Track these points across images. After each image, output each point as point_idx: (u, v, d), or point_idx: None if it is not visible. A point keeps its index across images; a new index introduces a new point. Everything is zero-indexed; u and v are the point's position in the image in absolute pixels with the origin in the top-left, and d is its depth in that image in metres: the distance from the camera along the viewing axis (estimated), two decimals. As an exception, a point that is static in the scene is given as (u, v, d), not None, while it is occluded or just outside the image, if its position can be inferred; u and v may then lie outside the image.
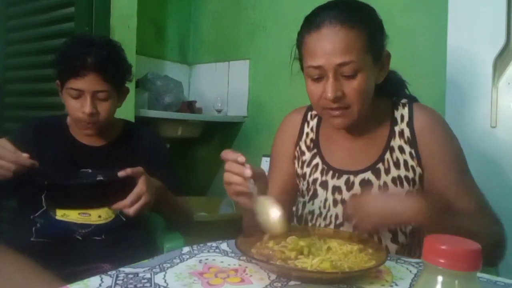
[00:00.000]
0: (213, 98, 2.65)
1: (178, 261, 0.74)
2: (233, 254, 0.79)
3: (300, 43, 0.95)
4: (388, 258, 0.71)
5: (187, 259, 0.76)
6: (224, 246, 0.84)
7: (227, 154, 0.82)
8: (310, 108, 1.10)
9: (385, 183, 0.95)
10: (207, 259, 0.76)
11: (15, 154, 0.99)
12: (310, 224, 1.00)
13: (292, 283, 0.66)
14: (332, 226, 0.97)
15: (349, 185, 0.97)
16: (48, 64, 1.28)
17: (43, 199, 1.19)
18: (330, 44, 0.87)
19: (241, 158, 0.79)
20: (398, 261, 0.78)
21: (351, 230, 0.87)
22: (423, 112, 0.98)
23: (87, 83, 1.14)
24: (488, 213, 0.93)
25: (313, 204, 1.01)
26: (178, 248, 0.83)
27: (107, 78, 1.16)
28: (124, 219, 1.23)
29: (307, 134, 1.08)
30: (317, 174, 1.02)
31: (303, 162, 1.06)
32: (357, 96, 0.89)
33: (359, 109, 0.91)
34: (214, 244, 0.85)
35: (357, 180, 0.97)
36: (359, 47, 0.87)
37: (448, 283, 0.38)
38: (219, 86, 2.73)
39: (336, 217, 0.97)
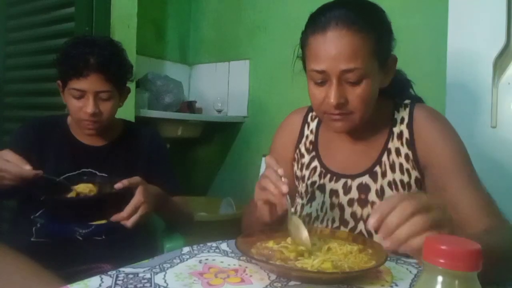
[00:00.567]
0: (213, 98, 2.65)
1: (178, 261, 0.74)
2: (233, 254, 0.79)
3: (304, 43, 0.91)
4: (388, 259, 0.71)
5: (187, 259, 0.76)
6: (224, 246, 0.84)
7: (271, 161, 0.82)
8: (311, 109, 1.09)
9: (381, 187, 0.92)
10: (207, 259, 0.76)
11: (18, 167, 0.99)
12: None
13: (292, 283, 0.66)
14: None
15: (347, 189, 0.96)
16: (48, 64, 1.28)
17: (40, 215, 1.18)
18: (335, 49, 0.83)
19: (281, 171, 0.80)
20: (398, 261, 0.78)
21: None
22: (422, 111, 0.95)
23: (89, 83, 1.14)
24: (495, 214, 0.85)
25: (310, 206, 0.99)
26: (178, 248, 0.83)
27: (109, 78, 1.16)
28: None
29: (307, 136, 1.07)
30: (315, 177, 1.01)
31: (302, 165, 1.05)
32: (361, 103, 0.86)
33: (362, 115, 0.88)
34: (214, 244, 0.85)
35: (354, 184, 0.95)
36: (365, 53, 0.83)
37: (448, 283, 0.38)
38: (219, 86, 2.73)
39: (333, 220, 0.95)
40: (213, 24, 2.78)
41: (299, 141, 1.07)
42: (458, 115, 1.48)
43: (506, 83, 1.44)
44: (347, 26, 0.83)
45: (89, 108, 1.15)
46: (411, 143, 0.93)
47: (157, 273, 0.68)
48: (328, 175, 0.99)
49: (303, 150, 1.06)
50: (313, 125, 1.07)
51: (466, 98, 1.50)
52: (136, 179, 1.06)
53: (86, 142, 1.27)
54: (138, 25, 2.05)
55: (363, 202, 0.93)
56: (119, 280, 0.65)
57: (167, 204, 1.22)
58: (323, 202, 0.98)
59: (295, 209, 1.03)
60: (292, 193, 1.07)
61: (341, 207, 0.95)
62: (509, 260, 0.70)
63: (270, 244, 0.79)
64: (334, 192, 0.97)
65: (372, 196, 0.93)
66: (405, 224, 0.57)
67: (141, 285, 0.63)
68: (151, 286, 0.63)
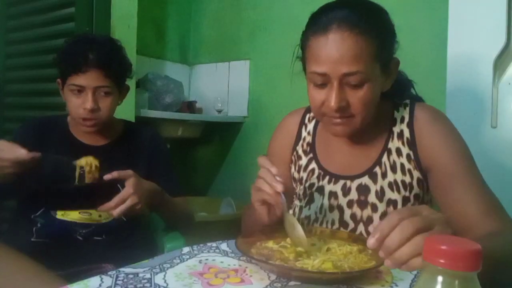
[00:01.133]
0: (213, 98, 2.65)
1: (178, 261, 0.74)
2: (233, 254, 0.79)
3: (304, 44, 0.88)
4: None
5: (187, 259, 0.76)
6: (224, 246, 0.84)
7: (264, 161, 0.81)
8: (308, 110, 1.07)
9: (381, 188, 0.91)
10: (207, 259, 0.76)
11: (13, 152, 0.99)
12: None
13: (292, 283, 0.66)
14: None
15: (346, 191, 0.95)
16: (48, 64, 1.28)
17: (40, 215, 1.19)
18: (337, 52, 0.80)
19: (274, 170, 0.79)
20: (398, 261, 0.78)
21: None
22: (423, 110, 0.93)
23: (88, 79, 1.14)
24: (500, 216, 0.83)
25: (309, 209, 0.98)
26: (178, 248, 0.83)
27: (108, 74, 1.16)
28: (125, 219, 1.23)
29: (304, 138, 1.05)
30: (314, 179, 1.00)
31: (299, 167, 1.04)
32: (362, 107, 0.84)
33: (363, 119, 0.86)
34: (214, 244, 0.85)
35: (353, 185, 0.94)
36: (367, 56, 0.81)
37: (448, 283, 0.38)
38: (219, 86, 2.73)
39: (333, 222, 0.94)
40: (213, 24, 2.78)
41: (296, 143, 1.05)
42: (458, 115, 1.48)
43: (506, 83, 1.44)
44: (350, 28, 0.80)
45: (88, 104, 1.15)
46: (412, 143, 0.92)
47: (157, 273, 0.68)
48: (327, 177, 0.98)
49: (300, 152, 1.04)
50: (310, 126, 1.06)
51: (466, 98, 1.50)
52: (127, 172, 1.07)
53: (86, 142, 1.27)
54: (138, 25, 2.05)
55: (363, 203, 0.92)
56: (119, 280, 0.65)
57: (165, 202, 1.22)
58: (322, 204, 0.96)
59: (293, 211, 1.02)
60: (290, 195, 1.06)
61: (340, 209, 0.94)
62: None
63: (270, 244, 0.79)
64: (333, 194, 0.96)
65: (372, 197, 0.92)
66: (406, 244, 0.56)
67: (141, 285, 0.63)
68: (151, 286, 0.63)
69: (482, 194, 0.84)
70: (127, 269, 0.69)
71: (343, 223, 0.94)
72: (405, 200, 0.91)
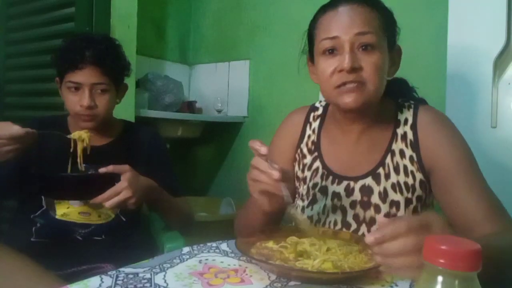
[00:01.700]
0: (213, 98, 2.65)
1: (178, 261, 0.74)
2: (233, 254, 0.79)
3: (312, 27, 0.92)
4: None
5: (187, 259, 0.76)
6: (224, 246, 0.84)
7: (254, 142, 0.79)
8: (312, 109, 1.07)
9: (385, 189, 0.91)
10: (207, 259, 0.76)
11: (8, 130, 1.00)
12: None
13: (292, 283, 0.66)
14: None
15: (349, 191, 0.94)
16: (48, 64, 1.29)
17: (40, 214, 1.19)
18: (347, 18, 0.85)
19: (264, 149, 0.77)
20: (398, 261, 0.78)
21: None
22: (427, 113, 0.93)
23: (85, 75, 1.15)
24: (502, 218, 0.82)
25: (312, 209, 0.98)
26: (178, 248, 0.83)
27: (105, 72, 1.17)
28: (124, 219, 1.23)
29: (309, 136, 1.04)
30: (317, 179, 0.99)
31: (304, 165, 1.03)
32: (374, 71, 0.84)
33: (375, 88, 0.86)
34: (214, 244, 0.85)
35: (357, 186, 0.94)
36: (376, 24, 0.86)
37: (448, 283, 0.38)
38: (219, 86, 2.73)
39: (335, 223, 0.94)
40: (213, 24, 2.78)
41: (300, 141, 1.05)
42: (458, 115, 1.48)
43: (506, 83, 1.44)
44: (358, 2, 0.86)
45: (85, 101, 1.15)
46: (415, 145, 0.92)
47: (157, 273, 0.68)
48: (331, 177, 0.97)
49: (305, 150, 1.04)
50: (315, 124, 1.05)
51: (466, 98, 1.50)
52: (123, 166, 1.07)
53: (86, 142, 1.27)
54: (138, 25, 2.05)
55: (366, 204, 0.92)
56: (119, 280, 0.65)
57: (163, 199, 1.22)
58: (325, 205, 0.96)
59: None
60: (292, 192, 1.06)
61: (343, 210, 0.94)
62: None
63: (270, 244, 0.79)
64: (336, 195, 0.96)
65: (375, 198, 0.92)
66: (402, 256, 0.55)
67: (141, 285, 0.63)
68: (151, 286, 0.63)
69: (484, 196, 0.84)
70: (127, 269, 0.69)
71: (345, 224, 0.94)
72: (408, 201, 0.91)
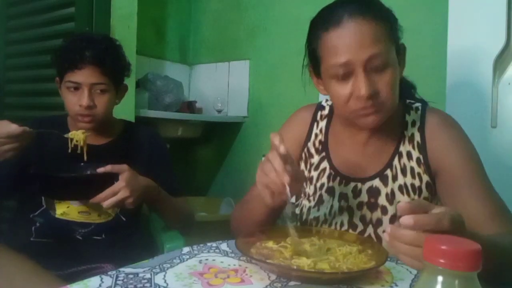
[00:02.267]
0: (213, 98, 2.65)
1: (178, 261, 0.74)
2: (233, 254, 0.79)
3: (315, 45, 0.87)
4: (388, 259, 0.71)
5: (187, 259, 0.76)
6: (224, 246, 0.84)
7: (275, 137, 0.77)
8: (319, 108, 1.05)
9: (392, 190, 0.91)
10: (207, 259, 0.76)
11: (5, 128, 1.00)
12: None
13: (292, 283, 0.66)
14: None
15: (356, 193, 0.94)
16: (48, 64, 1.29)
17: (39, 214, 1.19)
18: (355, 38, 0.80)
19: (282, 149, 0.76)
20: (398, 261, 0.78)
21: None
22: (434, 115, 0.93)
23: (84, 75, 1.15)
24: (507, 222, 0.83)
25: (318, 210, 0.97)
26: (178, 248, 0.83)
27: (104, 72, 1.17)
28: (124, 219, 1.23)
29: (316, 135, 1.02)
30: (324, 179, 0.98)
31: (311, 165, 1.01)
32: (391, 90, 0.82)
33: (393, 105, 0.85)
34: (214, 244, 0.85)
35: (364, 187, 0.93)
36: (384, 38, 0.82)
37: (448, 283, 0.38)
38: (219, 86, 2.73)
39: (342, 224, 0.94)
40: (213, 24, 2.78)
41: (307, 139, 1.03)
42: (458, 115, 1.47)
43: (506, 83, 1.44)
44: (362, 16, 0.81)
45: (84, 101, 1.15)
46: (422, 147, 0.92)
47: (157, 273, 0.68)
48: (338, 178, 0.97)
49: (312, 150, 1.02)
50: (322, 124, 1.03)
51: (466, 98, 1.50)
52: (122, 166, 1.07)
53: (86, 141, 1.27)
54: (138, 25, 2.05)
55: (373, 205, 0.92)
56: (119, 280, 0.65)
57: (162, 199, 1.22)
58: (332, 206, 0.96)
59: (301, 211, 1.01)
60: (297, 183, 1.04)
61: (350, 211, 0.94)
62: None
63: (270, 244, 0.79)
64: (343, 196, 0.95)
65: (382, 200, 0.92)
66: (412, 247, 0.56)
67: (141, 285, 0.63)
68: (151, 286, 0.63)
69: (489, 198, 0.85)
70: (127, 269, 0.69)
71: (352, 225, 0.93)
72: None
